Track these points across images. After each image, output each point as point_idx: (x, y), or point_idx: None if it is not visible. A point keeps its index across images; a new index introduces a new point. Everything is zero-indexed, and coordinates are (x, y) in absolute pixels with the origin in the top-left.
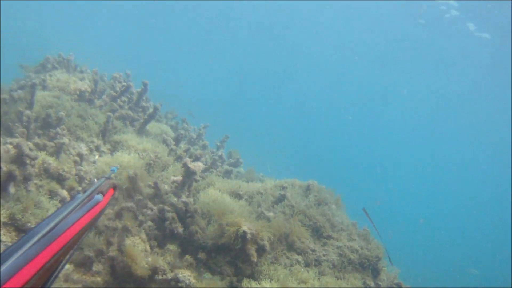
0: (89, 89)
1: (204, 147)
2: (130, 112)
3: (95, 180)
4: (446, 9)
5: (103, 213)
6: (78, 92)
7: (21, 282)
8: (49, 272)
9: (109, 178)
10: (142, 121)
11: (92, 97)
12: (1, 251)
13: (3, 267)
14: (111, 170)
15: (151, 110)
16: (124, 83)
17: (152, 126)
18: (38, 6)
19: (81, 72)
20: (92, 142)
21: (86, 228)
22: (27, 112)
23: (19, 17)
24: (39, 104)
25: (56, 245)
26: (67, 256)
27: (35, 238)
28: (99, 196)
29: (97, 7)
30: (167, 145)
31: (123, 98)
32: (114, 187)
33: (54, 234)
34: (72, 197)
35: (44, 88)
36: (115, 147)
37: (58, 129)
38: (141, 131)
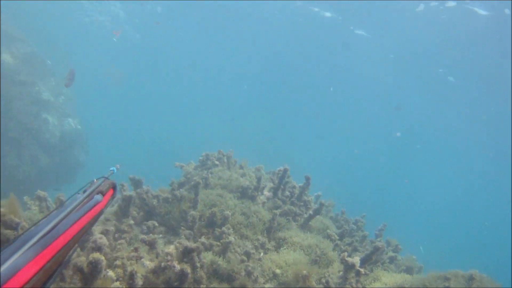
0: (251, 186)
1: (363, 237)
2: (293, 208)
3: (95, 180)
4: None
5: (102, 213)
6: (240, 189)
7: (21, 282)
8: (49, 272)
9: (108, 178)
10: (306, 216)
11: (255, 193)
12: (2, 251)
13: (3, 267)
14: (111, 170)
15: (313, 204)
16: (286, 179)
17: (314, 220)
18: None
19: (241, 167)
20: (257, 239)
21: (85, 228)
22: (192, 212)
23: None
24: (202, 203)
25: (56, 245)
26: (67, 256)
27: (35, 238)
28: (99, 196)
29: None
30: (331, 240)
31: (286, 193)
32: (114, 188)
33: (54, 234)
34: (72, 197)
35: (206, 186)
36: (279, 244)
37: (224, 228)
38: (304, 226)
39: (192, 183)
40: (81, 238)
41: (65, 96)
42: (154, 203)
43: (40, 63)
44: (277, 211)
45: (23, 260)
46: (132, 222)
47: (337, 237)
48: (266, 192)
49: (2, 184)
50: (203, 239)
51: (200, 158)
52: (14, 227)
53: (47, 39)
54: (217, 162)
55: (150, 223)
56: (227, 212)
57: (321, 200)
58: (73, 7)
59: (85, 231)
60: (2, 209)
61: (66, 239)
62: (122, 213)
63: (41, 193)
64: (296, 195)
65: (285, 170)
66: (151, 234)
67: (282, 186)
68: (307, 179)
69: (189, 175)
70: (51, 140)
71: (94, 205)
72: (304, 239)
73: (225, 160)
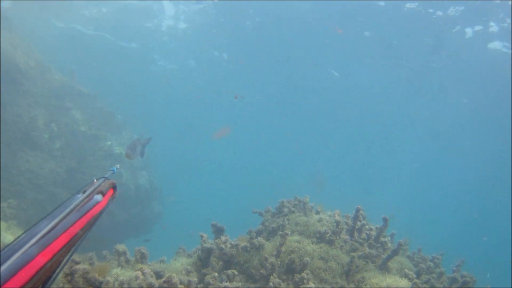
0: (328, 231)
1: (440, 274)
2: (371, 251)
3: (95, 180)
4: None
5: (102, 214)
6: (317, 235)
7: (21, 282)
8: (49, 272)
9: (108, 178)
10: (384, 257)
11: (333, 237)
12: (2, 251)
13: (3, 267)
14: (111, 170)
15: (390, 245)
16: (362, 221)
17: (391, 260)
18: None
19: (317, 212)
20: (336, 283)
21: (85, 228)
22: (271, 259)
23: None
24: (283, 248)
25: (56, 245)
26: (67, 256)
27: (35, 238)
28: (99, 197)
29: None
30: (409, 279)
31: (362, 235)
32: (114, 188)
33: (54, 234)
34: (72, 197)
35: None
36: (358, 286)
37: (303, 274)
38: (382, 267)
39: (269, 229)
40: (81, 238)
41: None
42: (233, 252)
43: (111, 117)
44: (355, 254)
45: (23, 260)
46: (216, 274)
47: (414, 276)
48: (343, 235)
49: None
50: (283, 286)
51: (277, 205)
52: (97, 285)
53: (117, 92)
54: (293, 209)
55: (230, 272)
56: (307, 259)
57: (400, 241)
58: (145, 57)
59: (85, 231)
60: (92, 271)
61: (66, 239)
62: (202, 263)
63: (120, 247)
64: (373, 237)
65: (357, 210)
66: (234, 282)
67: (356, 227)
68: (385, 220)
69: (266, 223)
70: (126, 193)
71: (94, 205)
72: (382, 280)
73: (301, 206)
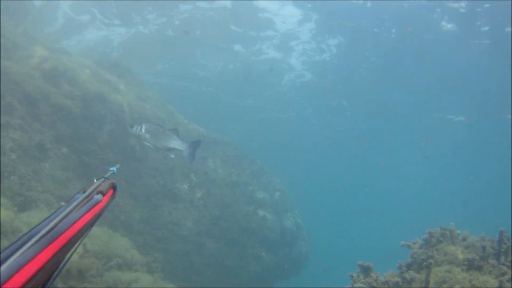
0: (476, 257)
1: None
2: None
3: (95, 180)
4: None
5: (102, 213)
6: (466, 262)
7: (21, 282)
8: (49, 272)
9: (108, 178)
10: None
11: (481, 263)
12: (2, 251)
13: (3, 266)
14: (110, 170)
15: None
16: (507, 243)
17: None
18: None
19: (464, 239)
20: None
21: (85, 228)
22: None
23: None
24: (432, 281)
25: (56, 245)
26: (67, 256)
27: (36, 238)
28: (99, 196)
29: None
30: None
31: (509, 258)
32: (114, 188)
33: (54, 234)
34: (72, 197)
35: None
36: None
37: None
38: None
39: (417, 261)
40: (81, 238)
41: (280, 192)
42: None
43: (251, 163)
44: (503, 278)
45: (23, 260)
46: None
47: None
48: (490, 260)
49: (225, 285)
50: None
51: (424, 236)
52: None
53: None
54: (441, 238)
55: None
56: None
57: None
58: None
59: (85, 231)
60: None
61: (66, 239)
62: None
63: None
64: None
65: (500, 233)
66: None
67: (502, 249)
68: None
69: (415, 255)
70: (272, 236)
71: (95, 205)
72: None
73: (448, 234)
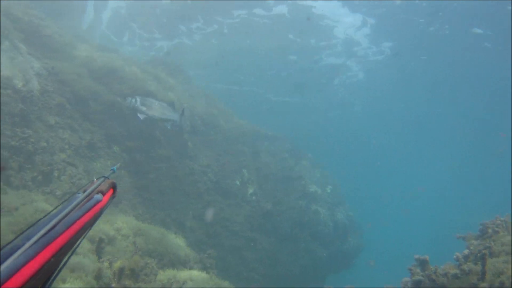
0: None
1: None
2: None
3: (95, 179)
4: None
5: (102, 213)
6: None
7: (21, 282)
8: (49, 272)
9: (108, 178)
10: None
11: None
12: (1, 251)
13: (3, 266)
14: (111, 170)
15: None
16: None
17: None
18: None
19: None
20: None
21: (85, 227)
22: (482, 284)
23: None
24: (490, 273)
25: (56, 245)
26: (67, 256)
27: (35, 238)
28: (99, 196)
29: None
30: None
31: None
32: (114, 187)
33: (54, 234)
34: (72, 197)
35: (491, 254)
36: None
37: None
38: None
39: (478, 254)
40: (81, 237)
41: (333, 186)
42: (444, 281)
43: (303, 157)
44: None
45: (23, 260)
46: None
47: None
48: None
49: (277, 279)
50: None
51: (479, 227)
52: None
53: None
54: (497, 229)
55: None
56: None
57: None
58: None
59: (85, 231)
60: None
61: (66, 239)
62: None
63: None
64: None
65: None
66: None
67: None
68: None
69: (472, 247)
70: (325, 230)
71: (95, 205)
72: None
73: (504, 224)
